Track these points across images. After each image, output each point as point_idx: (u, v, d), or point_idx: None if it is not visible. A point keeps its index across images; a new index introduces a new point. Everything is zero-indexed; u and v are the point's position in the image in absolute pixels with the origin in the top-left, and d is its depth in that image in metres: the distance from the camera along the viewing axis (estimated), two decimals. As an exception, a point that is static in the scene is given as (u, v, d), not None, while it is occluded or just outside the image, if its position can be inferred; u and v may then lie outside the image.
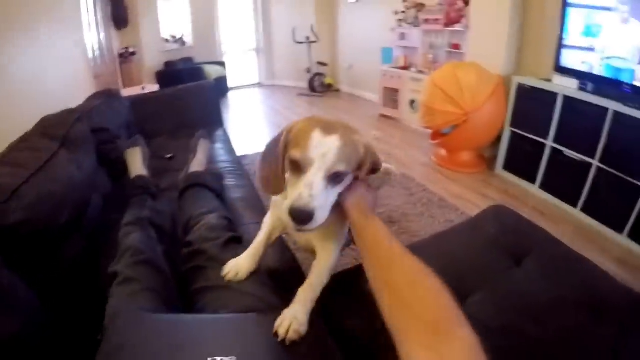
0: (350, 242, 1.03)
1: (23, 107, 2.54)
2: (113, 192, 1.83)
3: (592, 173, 2.32)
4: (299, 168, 0.70)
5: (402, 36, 4.58)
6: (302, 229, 0.67)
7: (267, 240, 0.98)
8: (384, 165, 0.87)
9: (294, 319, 0.75)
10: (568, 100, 2.44)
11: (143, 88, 4.65)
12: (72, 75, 3.59)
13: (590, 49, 2.32)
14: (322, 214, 0.68)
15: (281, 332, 0.73)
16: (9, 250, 0.95)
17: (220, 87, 6.64)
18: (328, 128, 0.70)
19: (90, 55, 4.24)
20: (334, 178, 0.69)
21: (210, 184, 1.55)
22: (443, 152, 3.30)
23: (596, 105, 2.24)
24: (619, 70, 2.16)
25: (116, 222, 1.30)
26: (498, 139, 3.05)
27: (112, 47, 5.21)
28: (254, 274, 0.94)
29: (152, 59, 6.11)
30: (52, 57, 3.17)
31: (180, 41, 6.97)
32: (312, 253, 0.98)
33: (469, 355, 0.49)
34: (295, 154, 0.69)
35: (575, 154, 2.43)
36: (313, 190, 0.66)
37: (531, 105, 2.74)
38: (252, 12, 7.64)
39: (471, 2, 3.39)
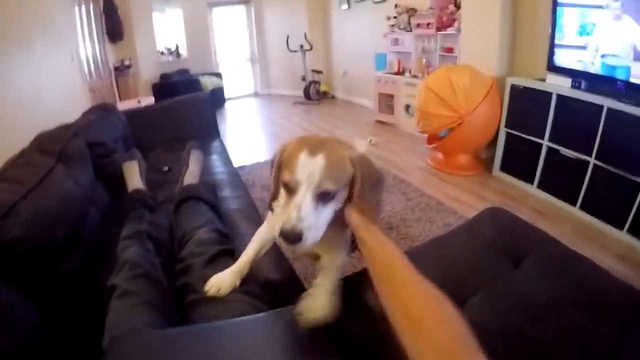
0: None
1: (19, 123, 2.54)
2: (111, 206, 1.83)
3: (590, 171, 2.31)
4: (289, 189, 0.72)
5: (395, 41, 4.61)
6: (294, 248, 0.70)
7: (255, 256, 0.98)
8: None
9: (312, 305, 0.78)
10: (562, 99, 2.45)
11: (139, 101, 4.67)
12: (68, 89, 3.61)
13: (584, 47, 2.33)
14: (313, 234, 0.69)
15: (311, 317, 0.76)
16: (7, 265, 0.96)
17: (217, 98, 6.67)
18: (315, 148, 0.71)
19: (86, 69, 4.26)
20: (323, 197, 0.70)
21: (203, 195, 1.55)
22: (439, 155, 3.30)
23: (591, 103, 2.25)
24: (613, 67, 2.17)
25: (115, 236, 1.30)
26: (494, 140, 3.05)
27: (107, 61, 5.24)
28: (242, 285, 0.95)
29: (147, 72, 6.13)
30: (47, 72, 3.19)
31: (176, 53, 7.00)
32: (314, 259, 0.99)
33: None
34: (285, 176, 0.72)
35: (571, 152, 2.43)
36: (302, 211, 0.67)
37: (526, 105, 2.74)
38: (246, 22, 7.70)
39: (462, 5, 3.41)
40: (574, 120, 2.40)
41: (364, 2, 5.44)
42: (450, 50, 3.82)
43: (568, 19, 2.40)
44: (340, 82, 6.64)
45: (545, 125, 2.56)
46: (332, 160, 0.70)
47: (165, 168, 2.26)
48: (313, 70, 6.54)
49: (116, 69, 5.48)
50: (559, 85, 2.48)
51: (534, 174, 2.73)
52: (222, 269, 0.97)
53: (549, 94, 2.51)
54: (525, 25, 2.98)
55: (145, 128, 2.76)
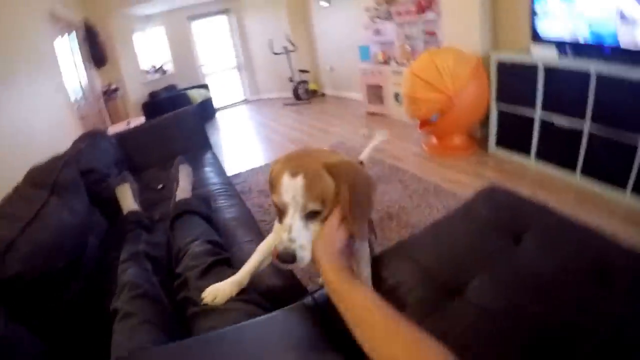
0: None
1: (10, 159, 2.53)
2: (109, 231, 1.84)
3: (585, 136, 2.28)
4: (280, 210, 0.74)
5: (377, 32, 4.57)
6: (290, 267, 0.72)
7: (257, 267, 0.97)
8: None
9: None
10: (550, 68, 2.41)
11: (128, 123, 4.66)
12: (57, 120, 3.58)
13: (567, 15, 2.28)
14: (308, 253, 0.71)
15: None
16: (10, 300, 0.98)
17: (207, 109, 6.66)
18: (296, 167, 0.70)
19: (73, 98, 4.25)
20: (312, 215, 0.71)
21: (196, 208, 1.57)
22: (433, 139, 3.27)
23: (579, 70, 2.21)
24: (599, 32, 2.13)
25: (115, 260, 1.32)
26: (486, 118, 3.02)
27: (94, 87, 5.23)
28: (242, 293, 0.95)
29: (135, 92, 6.13)
30: (34, 105, 3.17)
31: (161, 70, 7.00)
32: None
33: None
34: (274, 198, 0.74)
35: (565, 120, 2.40)
36: (292, 233, 0.69)
37: (514, 79, 2.71)
38: (228, 30, 7.68)
39: (439, -14, 3.38)
40: (564, 88, 2.36)
41: (342, -4, 5.42)
42: (432, 34, 3.79)
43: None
44: (328, 79, 6.60)
45: (536, 97, 2.53)
46: (312, 179, 0.70)
47: (160, 186, 2.26)
48: (300, 71, 6.51)
49: (104, 93, 5.47)
50: (545, 55, 2.45)
51: (530, 147, 2.70)
52: (217, 279, 0.97)
53: (536, 66, 2.48)
54: (504, -2, 2.94)
55: (137, 149, 2.78)
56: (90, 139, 2.37)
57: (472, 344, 0.83)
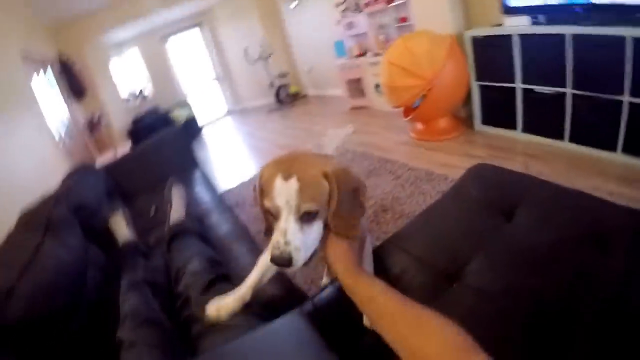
0: None
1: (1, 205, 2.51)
2: (108, 262, 1.82)
3: (569, 101, 2.26)
4: (273, 215, 0.74)
5: (350, 25, 4.54)
6: (287, 270, 0.75)
7: (258, 283, 0.96)
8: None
9: None
10: (524, 38, 2.39)
11: (115, 152, 4.62)
12: (42, 159, 3.55)
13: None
14: (302, 254, 0.71)
15: None
16: (16, 344, 1.01)
17: (192, 127, 6.62)
18: (288, 170, 0.71)
19: (57, 135, 4.20)
20: (306, 217, 0.71)
21: (190, 229, 1.60)
22: (419, 126, 3.23)
23: (553, 35, 2.19)
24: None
25: (117, 290, 1.34)
26: (468, 96, 2.99)
27: (77, 120, 5.18)
28: (246, 309, 0.95)
29: (119, 120, 6.09)
30: (16, 148, 3.14)
31: (141, 95, 6.96)
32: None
33: None
34: (267, 203, 0.73)
35: (546, 88, 2.37)
36: (287, 236, 0.69)
37: (490, 54, 2.69)
38: (203, 44, 7.65)
39: (404, -29, 3.35)
40: (541, 55, 2.34)
41: (310, -5, 5.39)
42: (404, 19, 3.77)
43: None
44: (308, 80, 6.57)
45: (514, 68, 2.50)
46: (307, 181, 0.70)
47: (152, 211, 2.24)
48: (279, 75, 6.48)
49: (88, 125, 5.42)
50: (518, 25, 2.43)
51: (516, 120, 2.67)
52: (218, 295, 0.97)
53: (510, 37, 2.45)
54: (470, -26, 2.92)
55: (126, 177, 2.76)
56: (79, 174, 2.36)
57: (473, 328, 0.79)
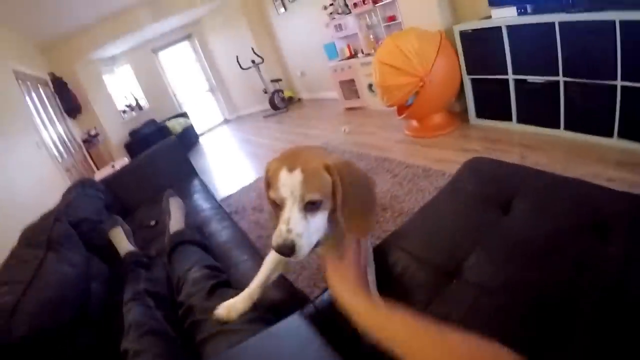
0: None
1: (1, 224, 2.51)
2: (111, 274, 1.85)
3: (562, 89, 2.25)
4: (278, 206, 0.76)
5: (339, 27, 4.55)
6: (291, 260, 0.74)
7: (265, 282, 0.97)
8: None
9: None
10: (512, 29, 2.38)
11: (113, 166, 4.61)
12: (42, 177, 3.56)
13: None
14: (305, 241, 0.72)
15: None
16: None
17: (189, 137, 6.63)
18: (293, 163, 0.73)
19: (56, 151, 4.21)
20: (310, 207, 0.73)
21: (190, 238, 1.60)
22: (414, 123, 3.23)
23: (541, 24, 2.19)
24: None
25: (121, 302, 1.36)
26: (461, 91, 2.99)
27: (73, 137, 5.18)
28: (250, 312, 0.96)
29: (116, 134, 6.09)
30: (15, 166, 3.15)
31: (137, 107, 6.96)
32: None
33: None
34: (272, 194, 0.76)
35: (539, 77, 2.37)
36: (290, 224, 0.71)
37: (480, 47, 2.68)
38: (194, 56, 7.67)
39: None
40: (531, 45, 2.33)
41: (298, 0, 5.40)
42: (393, 18, 3.77)
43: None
44: (302, 84, 6.58)
45: (505, 60, 2.50)
46: (310, 172, 0.73)
47: (152, 222, 2.25)
48: (272, 81, 6.49)
49: (85, 141, 5.42)
50: (506, 16, 2.42)
51: (511, 111, 2.66)
52: (221, 300, 0.98)
53: (498, 28, 2.45)
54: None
55: (125, 190, 2.78)
56: (78, 189, 2.39)
57: (474, 324, 0.78)
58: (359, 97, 4.60)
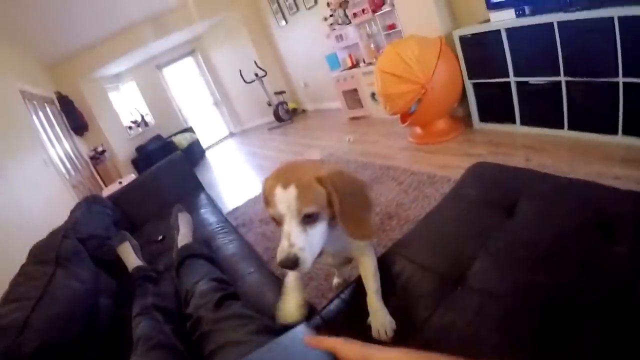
0: None
1: (9, 241, 2.55)
2: (119, 289, 1.86)
3: (564, 89, 2.25)
4: (278, 222, 0.79)
5: (340, 38, 4.59)
6: (295, 272, 0.80)
7: (301, 279, 1.02)
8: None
9: (383, 324, 0.87)
10: (512, 31, 2.39)
11: (120, 182, 4.66)
12: (50, 194, 3.61)
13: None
14: (308, 254, 0.75)
15: (384, 338, 0.85)
16: None
17: (196, 152, 6.68)
18: (287, 179, 0.77)
19: (63, 169, 4.28)
20: (308, 219, 0.76)
21: (197, 251, 1.63)
22: (418, 130, 3.23)
23: (540, 25, 2.19)
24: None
25: (129, 316, 1.36)
26: (464, 96, 2.99)
27: (80, 154, 5.26)
28: (250, 325, 1.00)
29: (123, 150, 6.17)
30: (24, 185, 3.20)
31: (143, 123, 7.05)
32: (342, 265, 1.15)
33: None
34: (270, 211, 0.79)
35: (540, 78, 2.37)
36: (291, 239, 0.74)
37: (480, 51, 2.69)
38: (198, 71, 7.77)
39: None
40: (531, 47, 2.33)
41: (298, 12, 5.46)
42: (392, 26, 3.81)
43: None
44: (305, 95, 6.62)
45: (506, 63, 2.50)
46: (304, 186, 0.76)
47: (160, 237, 2.26)
48: (276, 93, 6.54)
49: (92, 158, 5.50)
50: (504, 19, 2.43)
51: (514, 114, 2.65)
52: (229, 312, 1.05)
53: (498, 32, 2.46)
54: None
55: (132, 205, 2.80)
56: (86, 205, 2.41)
57: (481, 331, 0.78)
58: (362, 107, 4.62)
